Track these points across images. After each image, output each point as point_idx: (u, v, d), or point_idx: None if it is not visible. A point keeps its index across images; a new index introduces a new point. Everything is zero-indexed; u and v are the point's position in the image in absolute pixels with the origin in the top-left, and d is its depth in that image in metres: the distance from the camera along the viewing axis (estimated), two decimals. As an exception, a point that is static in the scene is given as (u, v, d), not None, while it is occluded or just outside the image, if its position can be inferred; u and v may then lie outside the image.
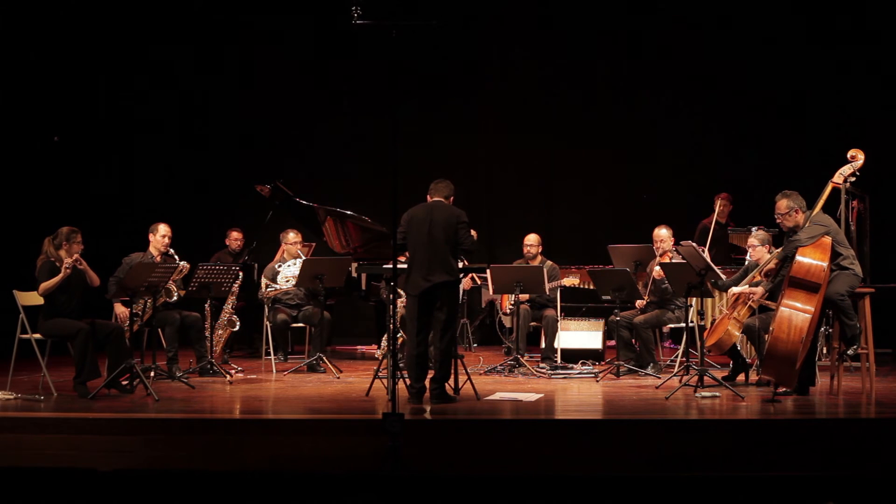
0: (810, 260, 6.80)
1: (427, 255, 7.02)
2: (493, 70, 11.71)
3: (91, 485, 5.47)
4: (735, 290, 7.75)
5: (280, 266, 9.20)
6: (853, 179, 7.30)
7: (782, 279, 7.15)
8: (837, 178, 7.21)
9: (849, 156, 7.24)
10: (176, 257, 8.19)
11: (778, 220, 7.22)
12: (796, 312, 6.73)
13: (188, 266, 8.18)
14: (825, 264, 6.79)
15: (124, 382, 7.45)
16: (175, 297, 8.13)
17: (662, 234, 8.63)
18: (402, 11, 6.09)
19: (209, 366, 8.34)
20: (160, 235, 8.25)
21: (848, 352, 7.11)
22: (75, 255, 7.40)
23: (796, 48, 10.86)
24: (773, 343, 6.74)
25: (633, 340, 8.64)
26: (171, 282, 7.95)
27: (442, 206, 7.17)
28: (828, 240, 6.90)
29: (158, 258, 8.17)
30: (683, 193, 11.00)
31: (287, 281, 9.09)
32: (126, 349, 7.47)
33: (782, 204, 7.16)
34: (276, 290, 9.09)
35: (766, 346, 6.91)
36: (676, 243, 8.52)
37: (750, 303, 7.51)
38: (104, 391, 7.33)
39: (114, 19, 11.02)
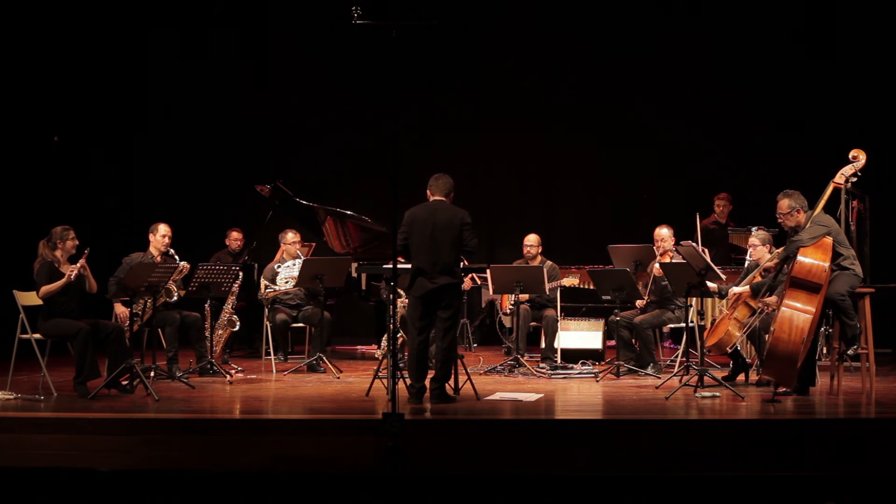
0: (811, 260, 6.79)
1: (432, 257, 6.98)
2: (494, 70, 11.70)
3: (91, 485, 5.47)
4: (736, 289, 7.76)
5: (279, 267, 9.19)
6: (854, 180, 7.28)
7: (783, 279, 7.14)
8: (839, 178, 7.19)
9: (850, 156, 7.22)
10: (176, 257, 8.19)
11: (780, 220, 7.21)
12: (797, 313, 6.72)
13: (188, 266, 8.18)
14: (826, 265, 6.78)
15: (124, 382, 7.45)
16: (175, 297, 8.13)
17: (663, 233, 8.63)
18: (402, 11, 6.07)
19: (209, 366, 8.34)
20: (160, 235, 8.24)
21: (848, 352, 7.11)
22: (81, 263, 7.39)
23: (795, 49, 10.86)
24: (774, 343, 6.73)
25: (633, 340, 8.64)
26: (171, 282, 7.96)
27: (444, 207, 7.13)
28: (829, 240, 6.90)
29: (158, 258, 8.17)
30: (683, 193, 10.99)
31: (286, 282, 9.08)
32: (126, 349, 7.47)
33: (784, 203, 7.15)
34: (274, 290, 9.08)
35: (766, 347, 6.90)
36: (676, 243, 8.52)
37: (766, 310, 7.46)
38: (104, 391, 7.32)
39: (115, 19, 11.01)
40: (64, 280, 7.32)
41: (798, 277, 6.77)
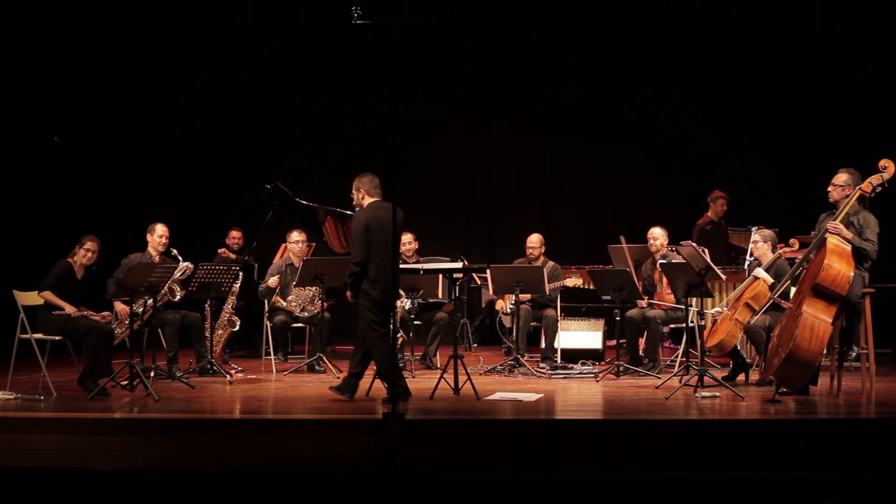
0: (838, 269, 6.75)
1: (391, 260, 6.88)
2: (494, 70, 11.70)
3: (91, 485, 5.47)
4: (762, 273, 7.68)
5: (296, 285, 9.04)
6: (880, 189, 7.23)
7: (799, 273, 7.13)
8: (866, 186, 7.15)
9: (879, 165, 7.18)
10: (179, 258, 8.20)
11: (829, 189, 7.23)
12: (818, 321, 6.69)
13: (192, 267, 8.18)
14: (851, 275, 6.77)
15: (124, 382, 7.47)
16: (178, 297, 8.13)
17: (655, 232, 8.66)
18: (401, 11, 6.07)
19: (209, 366, 8.35)
20: (157, 236, 8.27)
21: (850, 355, 7.12)
22: (93, 314, 7.53)
23: (795, 49, 10.87)
24: (794, 350, 6.64)
25: (641, 338, 8.64)
26: (173, 282, 7.97)
27: (388, 208, 6.97)
28: (849, 248, 6.89)
29: (157, 258, 8.18)
30: (683, 193, 10.99)
31: (301, 309, 9.04)
32: (111, 351, 7.51)
33: (842, 177, 7.20)
34: (282, 304, 9.07)
35: (786, 350, 6.72)
36: (676, 243, 8.53)
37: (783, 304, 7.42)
38: (109, 385, 7.35)
39: (114, 19, 11.01)
40: (67, 312, 7.41)
41: (822, 286, 6.72)
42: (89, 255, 7.66)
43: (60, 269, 7.55)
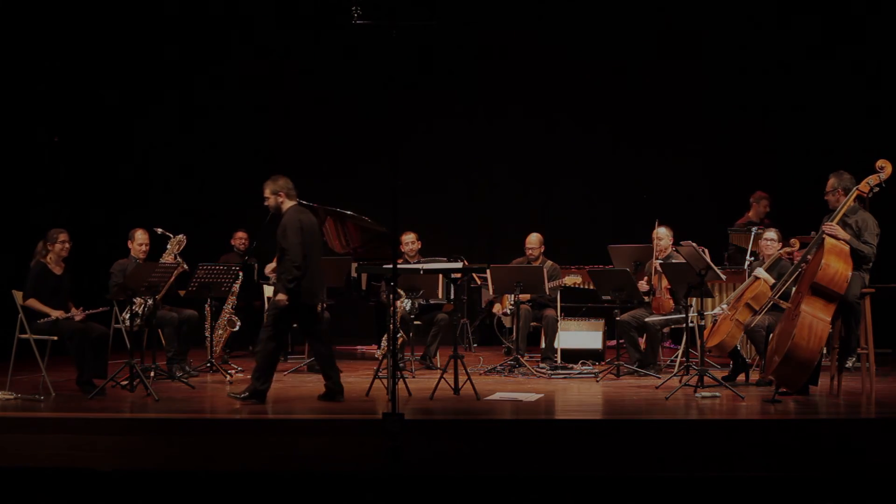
0: (837, 267, 6.74)
1: (318, 262, 7.08)
2: (494, 69, 11.69)
3: (91, 485, 5.49)
4: (762, 273, 7.69)
5: None
6: (878, 190, 7.23)
7: (798, 273, 7.13)
8: (864, 186, 7.16)
9: (877, 166, 7.17)
10: (169, 234, 8.36)
11: (826, 197, 7.28)
12: (816, 320, 6.69)
13: (184, 239, 8.31)
14: (849, 274, 6.77)
15: (124, 382, 7.46)
16: (180, 263, 8.24)
17: (661, 232, 8.64)
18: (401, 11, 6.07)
19: (176, 366, 8.27)
20: (138, 244, 8.36)
21: (847, 364, 7.12)
22: (80, 316, 7.51)
23: (796, 50, 10.87)
24: (792, 349, 6.64)
25: (641, 340, 8.64)
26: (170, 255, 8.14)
27: (309, 213, 7.16)
28: (848, 248, 6.89)
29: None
30: (684, 194, 10.98)
31: None
32: (106, 355, 7.52)
33: (830, 182, 7.24)
34: None
35: (784, 349, 6.71)
36: (676, 243, 8.52)
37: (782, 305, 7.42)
38: (110, 385, 7.36)
39: (115, 21, 11.00)
40: (53, 316, 7.42)
41: (820, 284, 6.72)
42: (67, 246, 7.64)
43: (35, 273, 7.52)
